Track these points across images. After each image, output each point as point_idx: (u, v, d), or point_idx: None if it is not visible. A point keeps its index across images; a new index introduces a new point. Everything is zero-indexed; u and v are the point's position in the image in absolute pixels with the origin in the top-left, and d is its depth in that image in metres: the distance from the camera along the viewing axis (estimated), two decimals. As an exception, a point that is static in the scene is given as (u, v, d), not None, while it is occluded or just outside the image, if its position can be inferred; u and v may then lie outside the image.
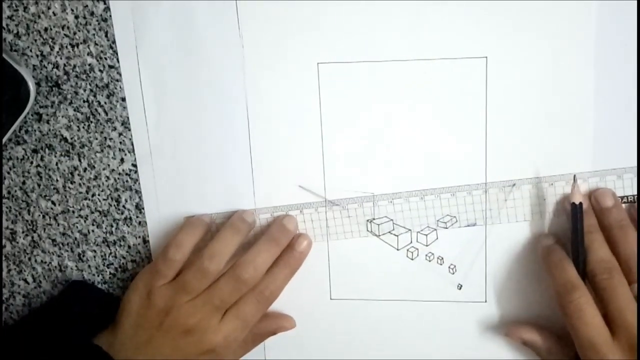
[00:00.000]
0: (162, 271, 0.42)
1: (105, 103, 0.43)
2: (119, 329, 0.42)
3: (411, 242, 0.43)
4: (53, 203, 0.46)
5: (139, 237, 0.46)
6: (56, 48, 0.43)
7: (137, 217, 0.45)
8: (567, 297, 0.37)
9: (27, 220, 0.47)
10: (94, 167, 0.45)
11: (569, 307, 0.37)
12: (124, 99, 0.43)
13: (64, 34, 0.42)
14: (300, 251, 0.43)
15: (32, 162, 0.45)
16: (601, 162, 0.40)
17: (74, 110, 0.44)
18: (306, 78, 0.41)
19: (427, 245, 0.43)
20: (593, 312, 0.36)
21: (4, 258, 0.48)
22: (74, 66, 0.43)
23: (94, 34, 0.42)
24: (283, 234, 0.42)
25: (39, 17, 0.42)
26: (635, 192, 0.40)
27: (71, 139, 0.44)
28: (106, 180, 0.45)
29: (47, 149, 0.45)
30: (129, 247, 0.46)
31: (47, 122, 0.44)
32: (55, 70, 0.43)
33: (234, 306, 0.42)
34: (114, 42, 0.42)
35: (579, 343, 0.37)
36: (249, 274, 0.41)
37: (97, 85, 0.43)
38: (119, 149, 0.44)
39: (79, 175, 0.45)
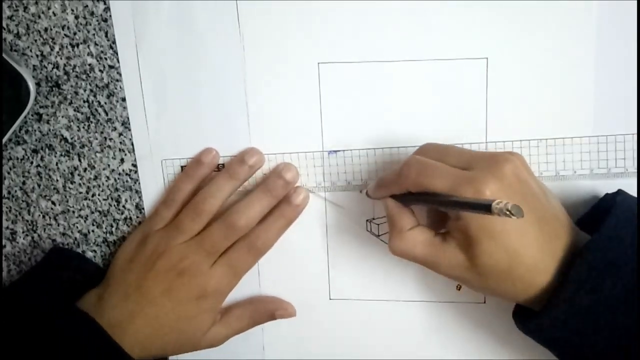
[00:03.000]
0: (161, 213, 0.43)
1: (105, 103, 0.43)
2: (108, 280, 0.43)
3: (411, 242, 0.43)
4: (53, 203, 0.46)
5: (139, 237, 0.46)
6: (56, 48, 0.43)
7: (137, 217, 0.45)
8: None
9: (27, 220, 0.47)
10: (94, 167, 0.45)
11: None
12: (124, 99, 0.43)
13: (64, 34, 0.42)
14: (297, 204, 0.42)
15: (32, 162, 0.45)
16: (601, 163, 0.40)
17: (74, 110, 0.44)
18: (306, 78, 0.41)
19: (426, 246, 0.43)
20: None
21: (4, 258, 0.48)
22: (74, 66, 0.43)
23: (94, 34, 0.42)
24: (280, 184, 0.42)
25: (39, 17, 0.42)
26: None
27: (71, 139, 0.44)
28: (106, 180, 0.45)
29: (47, 149, 0.45)
30: (129, 247, 0.46)
31: (47, 122, 0.44)
32: (55, 70, 0.43)
33: (225, 253, 0.42)
34: (114, 42, 0.42)
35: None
36: (240, 221, 0.41)
37: (97, 85, 0.43)
38: (119, 149, 0.44)
39: (79, 175, 0.45)
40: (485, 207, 0.29)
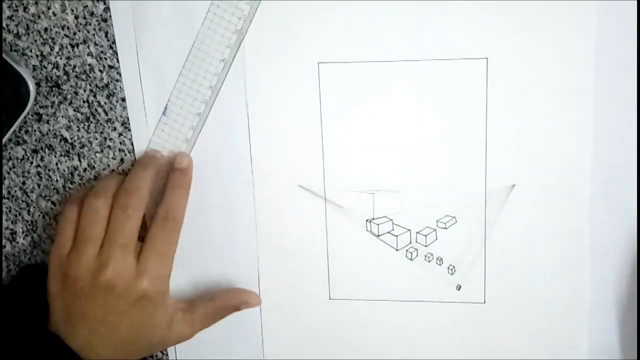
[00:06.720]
0: (64, 235, 0.41)
1: (105, 103, 0.43)
2: (55, 311, 0.40)
3: (410, 242, 0.43)
4: (53, 203, 0.46)
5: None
6: (56, 48, 0.43)
7: (137, 217, 0.45)
8: None
9: (27, 221, 0.47)
10: (94, 167, 0.45)
11: None
12: (124, 99, 0.43)
13: (64, 34, 0.42)
14: (184, 168, 0.42)
15: (32, 162, 0.45)
16: (601, 163, 0.40)
17: (74, 110, 0.44)
18: (306, 78, 0.41)
19: (426, 246, 0.43)
20: None
21: (4, 258, 0.48)
22: (74, 66, 0.43)
23: (94, 34, 0.42)
24: (149, 158, 0.43)
25: (39, 17, 0.42)
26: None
27: (71, 139, 0.44)
28: (106, 180, 0.45)
29: (47, 149, 0.45)
30: (129, 247, 0.46)
31: (47, 122, 0.44)
32: (55, 70, 0.43)
33: (144, 244, 0.40)
34: (114, 42, 0.42)
35: None
36: (128, 196, 0.40)
37: (97, 86, 0.43)
38: (119, 149, 0.44)
39: (79, 175, 0.45)
40: None
